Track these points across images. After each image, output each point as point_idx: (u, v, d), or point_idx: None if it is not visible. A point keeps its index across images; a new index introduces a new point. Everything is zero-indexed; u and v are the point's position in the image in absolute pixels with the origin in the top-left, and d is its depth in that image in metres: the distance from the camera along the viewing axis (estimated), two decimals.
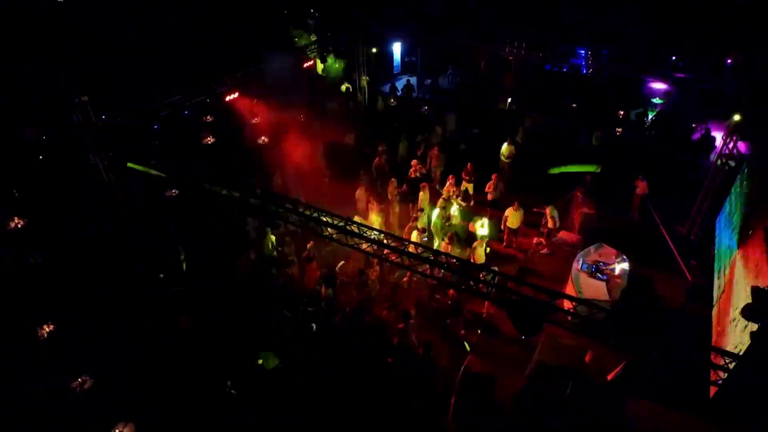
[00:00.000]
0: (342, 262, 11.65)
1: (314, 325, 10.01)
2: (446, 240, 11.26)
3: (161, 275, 11.67)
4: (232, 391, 8.88)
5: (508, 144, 15.09)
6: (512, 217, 12.32)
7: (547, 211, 12.11)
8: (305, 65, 14.99)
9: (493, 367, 8.81)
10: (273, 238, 12.25)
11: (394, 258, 6.88)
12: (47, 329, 10.13)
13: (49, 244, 11.91)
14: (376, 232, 7.24)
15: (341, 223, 7.33)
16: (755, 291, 5.71)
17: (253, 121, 16.19)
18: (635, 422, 8.42)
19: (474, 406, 7.77)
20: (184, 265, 12.01)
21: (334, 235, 7.37)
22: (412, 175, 14.27)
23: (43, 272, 11.36)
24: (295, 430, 8.58)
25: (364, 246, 7.14)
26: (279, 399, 8.96)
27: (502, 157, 15.14)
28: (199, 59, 14.79)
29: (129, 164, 9.33)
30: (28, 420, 8.58)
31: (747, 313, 5.61)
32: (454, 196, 13.02)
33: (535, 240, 12.25)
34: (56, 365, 9.45)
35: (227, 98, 12.95)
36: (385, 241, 6.98)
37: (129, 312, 10.64)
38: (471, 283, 5.99)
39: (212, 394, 8.82)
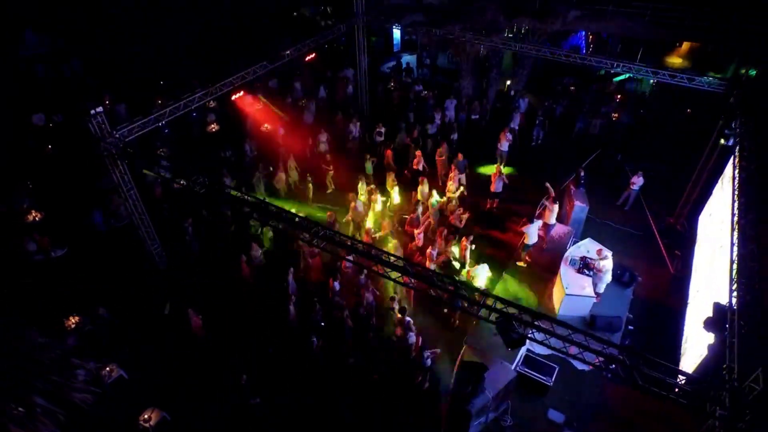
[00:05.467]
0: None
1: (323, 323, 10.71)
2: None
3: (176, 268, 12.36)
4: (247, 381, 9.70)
5: (504, 133, 15.37)
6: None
7: (542, 232, 12.02)
8: (307, 58, 15.16)
9: (485, 356, 9.55)
10: (270, 233, 12.81)
11: (379, 269, 7.46)
12: (73, 321, 10.92)
13: (72, 238, 12.56)
14: (361, 245, 7.82)
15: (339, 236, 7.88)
16: (715, 306, 6.41)
17: (256, 108, 16.53)
18: (613, 404, 9.39)
19: (467, 394, 8.55)
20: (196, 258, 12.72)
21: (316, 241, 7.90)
22: (415, 167, 14.71)
23: (67, 265, 12.08)
24: (305, 421, 9.45)
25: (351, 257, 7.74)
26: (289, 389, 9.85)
27: (499, 146, 15.48)
28: (206, 59, 14.89)
29: (145, 170, 9.82)
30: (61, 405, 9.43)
31: (706, 325, 6.33)
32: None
33: (526, 259, 12.03)
34: (84, 355, 10.23)
35: (233, 97, 13.28)
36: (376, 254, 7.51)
37: (148, 304, 11.41)
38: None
39: (230, 385, 9.67)
